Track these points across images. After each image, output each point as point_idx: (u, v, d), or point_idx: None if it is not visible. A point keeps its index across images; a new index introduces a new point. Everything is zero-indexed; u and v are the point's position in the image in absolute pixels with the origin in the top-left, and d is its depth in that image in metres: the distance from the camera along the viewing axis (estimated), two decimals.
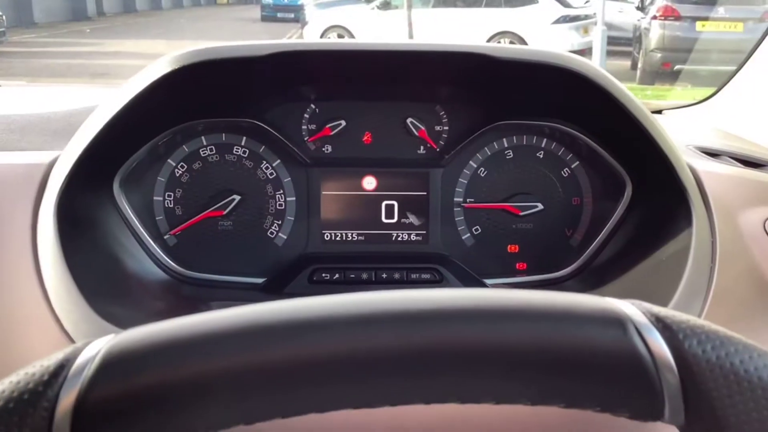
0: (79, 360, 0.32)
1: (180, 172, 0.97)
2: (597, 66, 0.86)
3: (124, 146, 0.90)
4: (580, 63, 0.84)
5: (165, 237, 0.96)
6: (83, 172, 0.80)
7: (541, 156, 1.01)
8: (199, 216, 0.96)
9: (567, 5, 10.58)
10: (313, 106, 0.99)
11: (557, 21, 10.30)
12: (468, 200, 1.01)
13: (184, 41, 14.25)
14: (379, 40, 0.86)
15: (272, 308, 0.35)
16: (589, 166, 1.00)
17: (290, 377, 0.33)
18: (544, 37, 9.93)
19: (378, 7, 11.28)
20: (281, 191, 0.98)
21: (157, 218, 0.96)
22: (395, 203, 1.00)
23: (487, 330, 0.34)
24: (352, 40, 0.85)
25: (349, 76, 0.94)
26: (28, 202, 0.78)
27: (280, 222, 0.99)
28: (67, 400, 0.31)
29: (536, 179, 1.01)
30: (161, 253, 0.94)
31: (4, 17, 13.03)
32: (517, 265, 1.01)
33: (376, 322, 0.35)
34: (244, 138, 0.97)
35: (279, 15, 19.38)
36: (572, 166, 1.01)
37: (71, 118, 1.02)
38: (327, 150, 1.00)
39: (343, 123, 0.99)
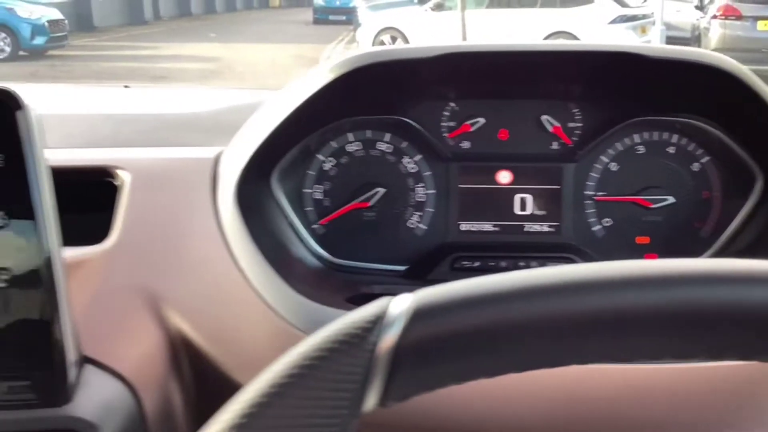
0: (391, 311, 0.38)
1: (328, 166, 1.03)
2: (740, 65, 0.89)
3: (287, 144, 0.96)
4: (729, 63, 0.88)
5: (314, 226, 1.02)
6: (254, 166, 0.86)
7: (672, 151, 1.04)
8: (346, 207, 1.02)
9: (624, 5, 10.49)
10: (452, 104, 1.04)
11: (614, 21, 10.22)
12: (599, 193, 1.05)
13: (240, 44, 14.51)
14: (527, 41, 0.91)
15: (559, 271, 0.40)
16: (719, 160, 1.03)
17: (570, 331, 0.38)
18: (601, 37, 9.85)
19: (431, 9, 11.33)
20: (422, 184, 1.04)
21: (306, 209, 1.02)
22: (528, 196, 1.04)
23: (704, 292, 0.39)
24: (512, 42, 0.90)
25: (495, 75, 0.99)
26: (205, 191, 0.85)
27: (420, 213, 1.04)
28: (385, 342, 0.37)
29: (666, 173, 1.04)
30: (312, 242, 1.00)
31: (66, 22, 13.43)
32: (646, 255, 1.04)
33: (616, 286, 0.40)
34: (388, 134, 1.03)
35: (331, 17, 19.59)
36: (703, 161, 1.04)
37: (218, 116, 1.10)
38: (465, 146, 1.05)
39: (482, 120, 1.04)
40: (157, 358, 0.73)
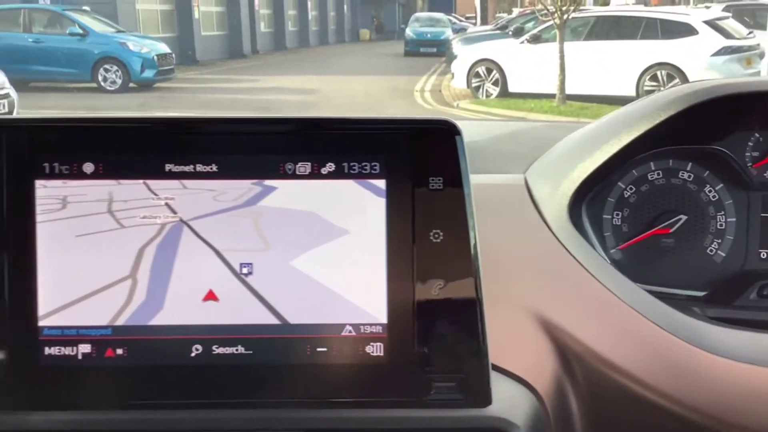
0: None
1: (628, 193, 1.07)
2: None
3: (605, 171, 1.01)
4: None
5: (611, 251, 1.07)
6: (580, 191, 0.95)
7: None
8: (647, 233, 1.05)
9: (729, 36, 10.26)
10: (757, 134, 1.07)
11: (718, 53, 10.00)
12: None
13: (335, 76, 14.84)
14: None
15: None
16: None
17: None
18: (704, 69, 9.67)
19: (528, 41, 11.32)
20: (722, 212, 1.06)
21: (604, 234, 1.07)
22: None
23: None
24: None
25: None
26: (532, 215, 0.93)
27: (719, 241, 1.07)
28: None
29: None
30: (611, 267, 1.04)
31: (173, 56, 14.04)
32: None
33: None
34: (690, 163, 1.06)
35: (422, 50, 19.84)
36: None
37: (497, 144, 1.17)
38: None
39: None
40: (551, 364, 0.79)
